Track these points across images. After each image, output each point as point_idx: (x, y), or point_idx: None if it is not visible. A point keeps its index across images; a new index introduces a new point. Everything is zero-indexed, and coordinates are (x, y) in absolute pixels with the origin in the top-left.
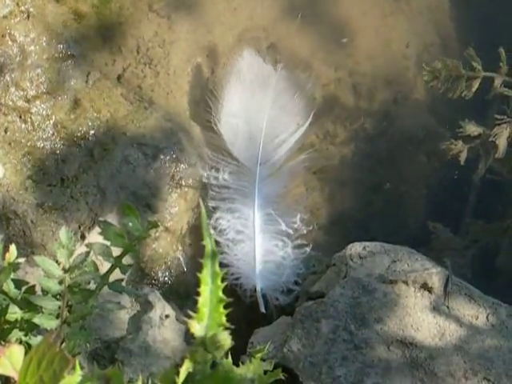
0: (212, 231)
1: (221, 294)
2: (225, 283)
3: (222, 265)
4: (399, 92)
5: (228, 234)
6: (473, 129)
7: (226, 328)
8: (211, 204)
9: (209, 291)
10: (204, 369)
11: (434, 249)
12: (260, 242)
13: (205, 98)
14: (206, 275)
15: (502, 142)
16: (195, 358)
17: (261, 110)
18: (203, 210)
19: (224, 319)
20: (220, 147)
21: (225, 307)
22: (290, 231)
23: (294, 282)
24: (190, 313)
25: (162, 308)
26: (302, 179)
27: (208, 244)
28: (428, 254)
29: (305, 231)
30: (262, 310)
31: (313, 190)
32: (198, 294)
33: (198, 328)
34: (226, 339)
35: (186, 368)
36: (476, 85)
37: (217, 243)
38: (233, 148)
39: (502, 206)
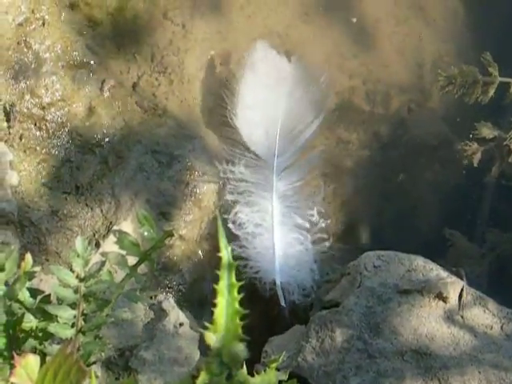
0: (231, 225)
1: (237, 305)
2: (241, 295)
3: (241, 258)
4: (413, 100)
5: (247, 227)
6: (488, 131)
7: (242, 339)
8: (229, 198)
9: (225, 303)
10: (219, 380)
11: (450, 257)
12: (279, 235)
13: (219, 106)
14: (222, 287)
15: None
16: (211, 370)
17: (277, 102)
18: (219, 221)
19: (240, 331)
20: (236, 141)
21: (241, 319)
22: (308, 224)
23: (311, 287)
24: (206, 324)
25: (176, 316)
26: (318, 172)
27: (225, 255)
28: (443, 263)
29: (323, 224)
30: (282, 303)
31: (325, 197)
32: (214, 305)
33: (213, 339)
34: (241, 351)
35: (202, 380)
36: (492, 90)
37: (236, 237)
38: (249, 141)
39: None
